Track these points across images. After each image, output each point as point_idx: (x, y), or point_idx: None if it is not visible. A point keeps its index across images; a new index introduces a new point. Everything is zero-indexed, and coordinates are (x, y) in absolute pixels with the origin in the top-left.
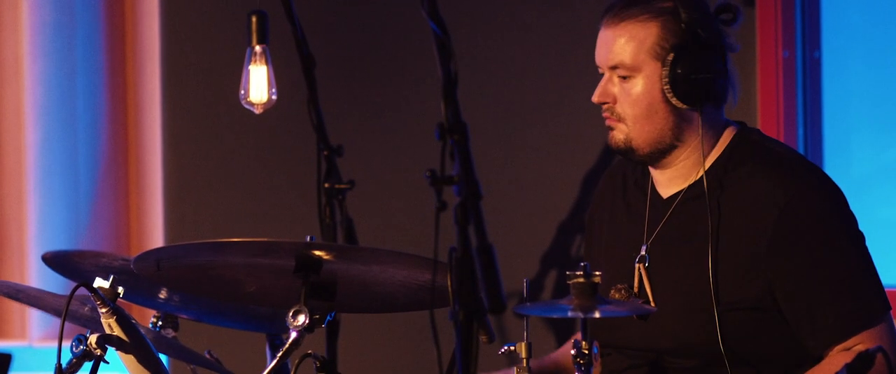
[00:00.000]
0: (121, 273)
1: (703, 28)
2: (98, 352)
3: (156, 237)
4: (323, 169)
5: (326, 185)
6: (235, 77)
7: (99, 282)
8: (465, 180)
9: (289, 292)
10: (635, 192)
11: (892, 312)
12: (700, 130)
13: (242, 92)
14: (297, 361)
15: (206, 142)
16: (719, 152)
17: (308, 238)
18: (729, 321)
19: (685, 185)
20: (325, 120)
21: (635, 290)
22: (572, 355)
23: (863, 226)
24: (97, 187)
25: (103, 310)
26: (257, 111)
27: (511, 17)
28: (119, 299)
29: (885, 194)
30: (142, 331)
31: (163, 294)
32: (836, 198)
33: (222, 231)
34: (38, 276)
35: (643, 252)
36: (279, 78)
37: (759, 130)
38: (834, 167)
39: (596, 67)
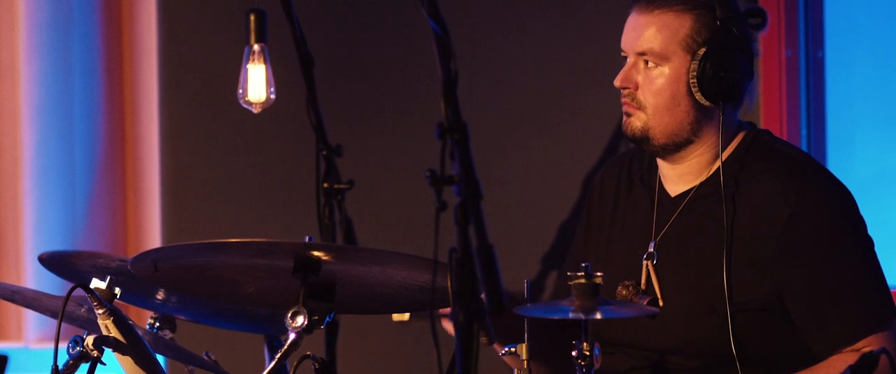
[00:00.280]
0: (118, 274)
1: (736, 27)
2: (95, 353)
3: (153, 238)
4: (322, 169)
5: (325, 185)
6: (233, 76)
7: (96, 283)
8: (466, 180)
9: (287, 293)
10: (640, 188)
11: None
12: (720, 129)
13: (241, 91)
14: (295, 362)
15: (203, 142)
16: (733, 151)
17: (307, 239)
18: (739, 322)
19: (696, 182)
20: (325, 120)
21: (643, 287)
22: (573, 356)
23: (867, 227)
24: (94, 188)
25: (100, 311)
26: (255, 111)
27: (511, 17)
28: (116, 300)
29: (889, 194)
30: (139, 332)
31: (160, 295)
32: (846, 202)
33: (220, 232)
34: (34, 277)
35: (651, 249)
36: (278, 77)
37: (770, 132)
38: (837, 168)
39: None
